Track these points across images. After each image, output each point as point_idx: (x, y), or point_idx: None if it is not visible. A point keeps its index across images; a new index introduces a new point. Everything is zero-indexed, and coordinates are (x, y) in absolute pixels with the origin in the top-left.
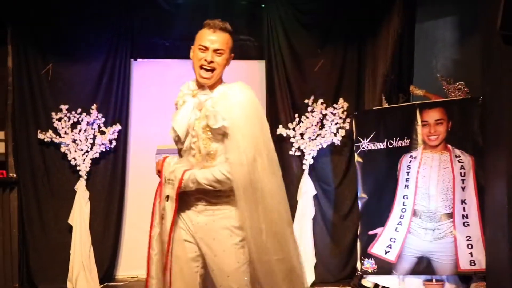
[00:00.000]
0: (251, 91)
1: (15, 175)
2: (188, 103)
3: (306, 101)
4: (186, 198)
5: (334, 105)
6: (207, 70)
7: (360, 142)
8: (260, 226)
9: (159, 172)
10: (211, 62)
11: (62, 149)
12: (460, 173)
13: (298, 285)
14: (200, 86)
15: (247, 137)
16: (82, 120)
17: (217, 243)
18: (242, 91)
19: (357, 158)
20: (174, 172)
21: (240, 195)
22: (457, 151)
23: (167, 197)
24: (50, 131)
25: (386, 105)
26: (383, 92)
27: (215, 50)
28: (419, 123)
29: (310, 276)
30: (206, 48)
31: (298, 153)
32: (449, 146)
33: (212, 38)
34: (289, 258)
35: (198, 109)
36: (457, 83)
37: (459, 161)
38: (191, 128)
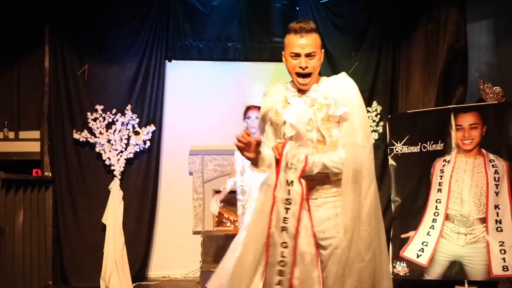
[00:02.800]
0: (352, 80)
1: (50, 174)
2: (298, 102)
3: None
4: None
5: (368, 108)
6: (303, 76)
7: (394, 145)
8: (360, 213)
9: (279, 156)
10: (306, 67)
11: (97, 149)
12: (494, 178)
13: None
14: (300, 89)
15: (363, 122)
16: (117, 120)
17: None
18: (348, 79)
19: (390, 161)
20: (297, 156)
21: (349, 178)
22: (491, 156)
23: (292, 182)
24: (85, 131)
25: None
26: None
27: (307, 55)
28: (453, 127)
29: None
30: (298, 55)
31: None
32: (483, 150)
33: (301, 43)
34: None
35: (310, 106)
36: (494, 88)
37: (493, 166)
38: (312, 122)
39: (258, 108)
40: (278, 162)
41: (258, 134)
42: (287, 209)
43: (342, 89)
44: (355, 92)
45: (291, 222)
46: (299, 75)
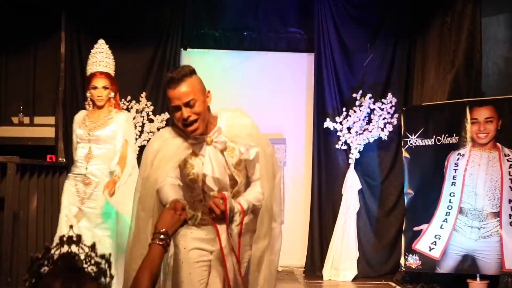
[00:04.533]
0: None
1: (64, 160)
2: (210, 152)
3: (354, 95)
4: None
5: (382, 100)
6: (190, 124)
7: (408, 137)
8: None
9: (223, 213)
10: (189, 116)
11: None
12: (509, 172)
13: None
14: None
15: (269, 156)
16: (132, 107)
17: None
18: (249, 117)
19: (404, 154)
20: (236, 207)
21: (264, 210)
22: (507, 150)
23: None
24: None
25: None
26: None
27: (186, 104)
28: (469, 120)
29: (352, 270)
30: (177, 107)
31: (344, 147)
32: (498, 144)
33: (177, 95)
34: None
35: (221, 152)
36: None
37: (508, 160)
38: (225, 168)
39: (106, 74)
40: (216, 216)
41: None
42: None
43: (247, 129)
44: (256, 129)
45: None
46: (185, 125)
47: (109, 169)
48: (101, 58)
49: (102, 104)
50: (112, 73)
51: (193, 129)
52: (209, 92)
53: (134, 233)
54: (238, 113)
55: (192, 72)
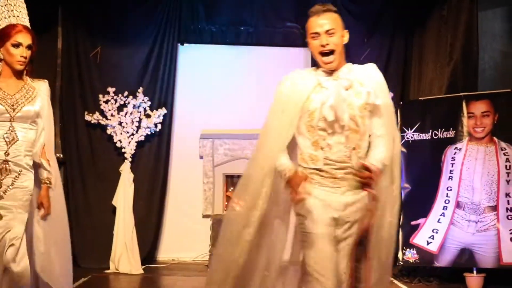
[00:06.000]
0: None
1: (61, 156)
2: (334, 86)
3: None
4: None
5: None
6: (327, 54)
7: (405, 132)
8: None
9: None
10: (327, 44)
11: (108, 131)
12: (506, 166)
13: None
14: (328, 72)
15: (392, 114)
16: (129, 103)
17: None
18: (380, 73)
19: (401, 148)
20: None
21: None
22: (503, 144)
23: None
24: (97, 113)
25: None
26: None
27: (327, 32)
28: (465, 114)
29: None
30: (317, 34)
31: None
32: (494, 138)
33: (320, 22)
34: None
35: (345, 89)
36: None
37: (504, 154)
38: (348, 107)
39: (29, 30)
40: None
41: None
42: None
43: (377, 80)
44: (386, 85)
45: None
46: (322, 54)
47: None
48: (20, 10)
49: (22, 68)
50: None
51: (329, 61)
52: (347, 31)
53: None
54: (373, 67)
55: (336, 11)
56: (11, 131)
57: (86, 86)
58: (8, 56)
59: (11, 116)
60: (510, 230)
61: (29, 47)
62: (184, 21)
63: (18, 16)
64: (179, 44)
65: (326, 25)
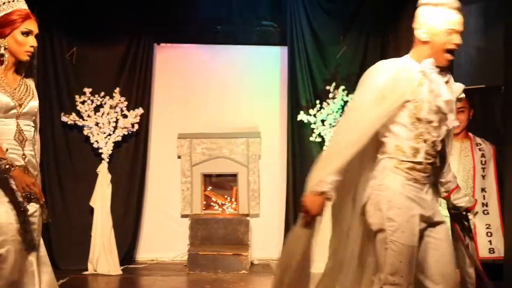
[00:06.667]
0: None
1: None
2: (441, 81)
3: (327, 87)
4: None
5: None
6: (452, 52)
7: None
8: None
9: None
10: (459, 44)
11: (85, 132)
12: (481, 161)
13: None
14: (433, 67)
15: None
16: (105, 103)
17: None
18: None
19: None
20: None
21: None
22: (478, 140)
23: None
24: (74, 114)
25: None
26: None
27: (460, 32)
28: None
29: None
30: (455, 32)
31: (318, 140)
32: (470, 134)
33: (461, 21)
34: None
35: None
36: None
37: (480, 150)
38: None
39: (34, 16)
40: None
41: None
42: None
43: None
44: None
45: None
46: (450, 51)
47: None
48: None
49: (28, 59)
50: None
51: (452, 59)
52: None
53: None
54: None
55: None
56: (20, 130)
57: (62, 87)
58: (16, 45)
59: (18, 112)
60: (486, 225)
61: (37, 36)
62: (160, 20)
63: (20, 0)
64: (155, 44)
65: (462, 27)
